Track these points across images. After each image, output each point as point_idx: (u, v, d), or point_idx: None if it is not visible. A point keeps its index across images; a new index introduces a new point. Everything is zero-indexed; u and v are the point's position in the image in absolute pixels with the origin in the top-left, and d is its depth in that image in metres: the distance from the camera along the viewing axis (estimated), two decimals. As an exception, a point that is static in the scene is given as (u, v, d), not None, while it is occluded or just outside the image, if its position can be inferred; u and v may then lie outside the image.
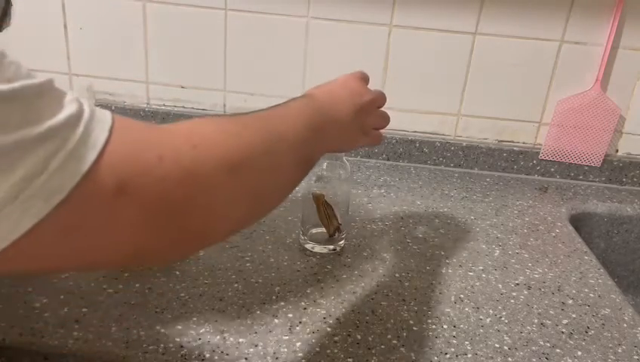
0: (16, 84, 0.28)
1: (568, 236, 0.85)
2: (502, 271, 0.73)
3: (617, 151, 1.07)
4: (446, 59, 1.01)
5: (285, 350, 0.55)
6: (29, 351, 0.54)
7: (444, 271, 0.72)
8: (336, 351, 0.56)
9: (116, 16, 1.02)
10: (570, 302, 0.68)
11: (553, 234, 0.85)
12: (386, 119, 0.64)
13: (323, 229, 0.72)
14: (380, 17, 0.99)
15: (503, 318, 0.63)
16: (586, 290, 0.71)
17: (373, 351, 0.56)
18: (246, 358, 0.54)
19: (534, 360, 0.57)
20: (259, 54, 1.03)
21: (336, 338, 0.58)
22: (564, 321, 0.64)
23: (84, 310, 0.58)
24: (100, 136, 0.30)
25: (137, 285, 0.63)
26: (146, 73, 1.07)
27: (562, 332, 0.62)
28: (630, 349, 0.60)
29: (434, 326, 0.61)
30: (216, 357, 0.54)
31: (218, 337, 0.56)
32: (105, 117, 0.31)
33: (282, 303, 0.62)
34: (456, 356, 0.57)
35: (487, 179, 1.04)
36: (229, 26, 1.02)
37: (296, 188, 0.94)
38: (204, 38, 1.03)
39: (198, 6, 1.00)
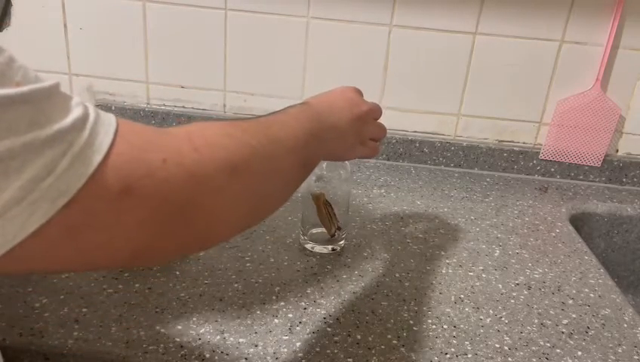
0: (25, 88, 0.29)
1: (568, 236, 0.85)
2: (502, 271, 0.73)
3: (617, 151, 1.07)
4: (446, 59, 1.01)
5: (285, 350, 0.55)
6: (29, 351, 0.54)
7: (444, 271, 0.72)
8: (336, 351, 0.56)
9: (116, 16, 1.02)
10: (571, 302, 0.68)
11: (553, 234, 0.85)
12: (383, 130, 0.65)
13: (323, 229, 0.72)
14: (380, 17, 0.99)
15: (503, 318, 0.63)
16: (586, 290, 0.71)
17: (373, 351, 0.56)
18: (246, 358, 0.54)
19: (534, 360, 0.57)
20: (259, 54, 1.03)
21: (336, 339, 0.58)
22: (565, 321, 0.64)
23: (84, 310, 0.58)
24: (105, 140, 0.31)
25: (137, 285, 0.63)
26: (146, 73, 1.07)
27: (562, 333, 0.62)
28: (630, 349, 0.60)
29: (434, 326, 0.61)
30: (216, 357, 0.54)
31: (218, 337, 0.56)
32: (110, 120, 0.32)
33: (282, 303, 0.62)
34: (456, 356, 0.57)
35: (488, 179, 1.04)
36: (229, 26, 1.02)
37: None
38: (204, 38, 1.03)
39: (198, 6, 1.00)
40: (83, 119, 0.31)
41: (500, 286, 0.70)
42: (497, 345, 0.59)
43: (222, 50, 1.04)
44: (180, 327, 0.57)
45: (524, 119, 1.05)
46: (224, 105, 1.08)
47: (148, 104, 1.09)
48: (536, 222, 0.88)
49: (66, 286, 0.62)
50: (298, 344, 0.56)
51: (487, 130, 1.06)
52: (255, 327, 0.58)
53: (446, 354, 0.57)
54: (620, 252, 0.99)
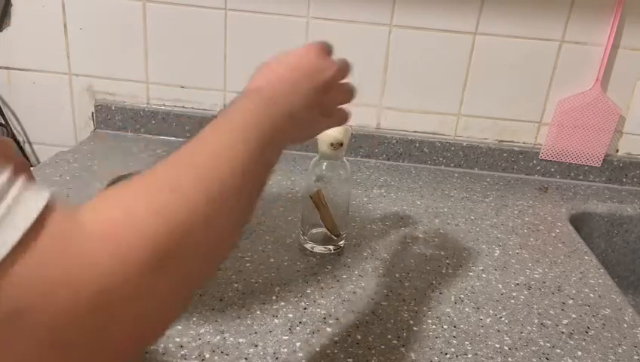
0: None
1: (568, 236, 0.85)
2: (502, 271, 0.73)
3: (617, 151, 1.07)
4: (446, 59, 1.01)
5: (285, 350, 0.55)
6: (28, 351, 0.53)
7: (444, 271, 0.72)
8: (336, 351, 0.56)
9: (116, 16, 1.02)
10: (571, 302, 0.68)
11: (553, 234, 0.85)
12: (350, 92, 0.56)
13: (323, 229, 0.72)
14: (380, 17, 0.99)
15: (503, 318, 0.63)
16: (586, 290, 0.71)
17: (373, 351, 0.56)
18: (246, 358, 0.54)
19: (534, 360, 0.57)
20: (259, 54, 1.03)
21: (336, 339, 0.58)
22: (564, 321, 0.64)
23: (84, 310, 0.58)
24: (9, 239, 0.25)
25: (137, 285, 0.63)
26: (146, 73, 1.07)
27: (562, 333, 0.62)
28: (630, 349, 0.60)
29: (434, 326, 0.61)
30: (216, 357, 0.54)
31: (218, 337, 0.56)
32: (23, 220, 0.25)
33: (282, 303, 0.62)
34: (456, 356, 0.57)
35: (488, 179, 1.04)
36: (229, 26, 1.02)
37: (297, 188, 0.95)
38: (204, 38, 1.03)
39: (198, 6, 1.00)
40: None
41: (500, 286, 0.70)
42: (497, 345, 0.59)
43: (222, 50, 1.04)
44: (179, 327, 0.57)
45: (524, 119, 1.05)
46: (224, 106, 1.08)
47: (148, 104, 1.09)
48: (536, 222, 0.88)
49: (65, 286, 0.62)
50: (298, 344, 0.56)
51: (487, 130, 1.06)
52: (255, 327, 0.58)
53: (446, 354, 0.57)
54: (620, 252, 0.99)
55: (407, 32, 1.00)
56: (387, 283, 0.68)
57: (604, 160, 1.05)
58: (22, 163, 0.36)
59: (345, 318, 0.61)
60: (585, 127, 1.03)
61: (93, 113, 1.10)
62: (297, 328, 0.59)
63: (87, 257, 0.27)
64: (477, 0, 0.96)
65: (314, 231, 0.73)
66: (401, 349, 0.57)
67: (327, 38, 1.04)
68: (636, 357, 0.59)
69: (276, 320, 0.60)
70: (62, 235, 0.27)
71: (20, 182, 0.26)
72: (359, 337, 0.58)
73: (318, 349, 0.56)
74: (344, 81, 0.55)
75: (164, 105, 1.09)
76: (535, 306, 0.66)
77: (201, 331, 0.57)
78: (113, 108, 1.08)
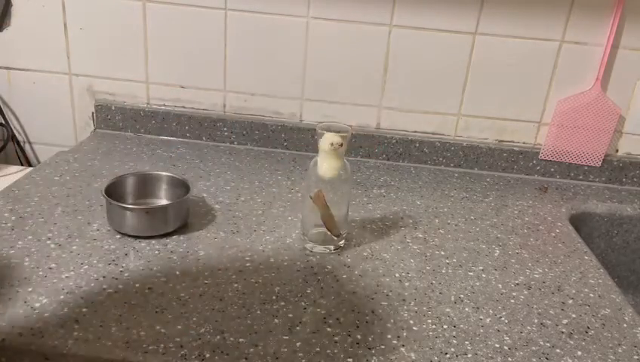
0: None
1: (568, 236, 0.85)
2: (502, 271, 0.73)
3: (617, 151, 1.07)
4: (446, 59, 1.01)
5: (285, 350, 0.55)
6: (29, 351, 0.54)
7: (444, 271, 0.72)
8: (336, 351, 0.56)
9: (116, 16, 1.02)
10: (570, 302, 0.68)
11: (553, 234, 0.85)
12: None
13: (323, 229, 0.72)
14: (380, 17, 0.99)
15: (503, 318, 0.63)
16: (586, 290, 0.71)
17: (373, 351, 0.56)
18: (246, 358, 0.54)
19: (534, 360, 0.57)
20: (259, 54, 1.03)
21: (336, 339, 0.58)
22: (564, 321, 0.64)
23: (84, 310, 0.58)
24: None
25: (137, 285, 0.63)
26: (146, 73, 1.07)
27: (562, 332, 0.62)
28: (630, 349, 0.60)
29: (434, 326, 0.61)
30: (216, 357, 0.54)
31: (218, 337, 0.56)
32: None
33: (282, 303, 0.62)
34: (456, 356, 0.57)
35: (487, 179, 1.04)
36: (229, 26, 1.02)
37: (297, 188, 0.95)
38: (204, 38, 1.03)
39: (198, 6, 1.00)
40: None
41: (500, 286, 0.70)
42: (497, 345, 0.59)
43: (222, 50, 1.04)
44: (179, 327, 0.57)
45: (524, 119, 1.05)
46: (224, 105, 1.08)
47: (148, 104, 1.09)
48: (536, 222, 0.88)
49: (66, 286, 0.62)
50: (298, 344, 0.56)
51: (487, 130, 1.06)
52: (255, 327, 0.58)
53: (446, 354, 0.57)
54: (619, 252, 0.99)
55: (407, 32, 1.00)
56: (387, 283, 0.68)
57: (604, 160, 1.05)
58: None
59: (345, 318, 0.61)
60: (585, 127, 1.03)
61: (93, 113, 1.10)
62: (297, 328, 0.59)
63: None
64: (477, 0, 0.96)
65: (314, 231, 0.73)
66: (401, 349, 0.57)
67: (327, 38, 1.05)
68: (636, 357, 0.59)
69: (276, 320, 0.60)
70: None
71: None
72: (359, 337, 0.58)
73: (318, 349, 0.56)
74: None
75: (164, 105, 1.09)
76: (535, 306, 0.66)
77: (201, 331, 0.57)
78: (113, 108, 1.08)
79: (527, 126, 1.05)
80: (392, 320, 0.61)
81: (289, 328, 0.58)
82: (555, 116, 1.03)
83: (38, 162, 1.15)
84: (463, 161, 1.07)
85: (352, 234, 0.79)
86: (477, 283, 0.70)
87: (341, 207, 0.72)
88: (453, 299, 0.66)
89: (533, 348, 0.59)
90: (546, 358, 0.58)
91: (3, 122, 1.09)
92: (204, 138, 1.09)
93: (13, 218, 0.75)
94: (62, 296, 0.60)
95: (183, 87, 1.07)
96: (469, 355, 0.57)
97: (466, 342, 0.59)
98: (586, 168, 1.06)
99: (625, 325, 0.64)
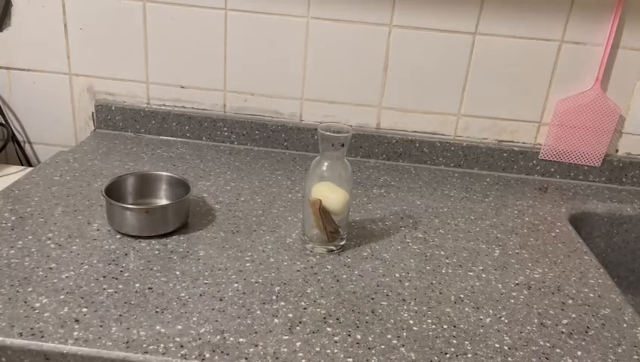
0: None
1: (568, 236, 0.85)
2: (502, 271, 0.73)
3: (617, 151, 1.07)
4: (446, 59, 1.01)
5: (285, 350, 0.55)
6: (29, 351, 0.54)
7: (444, 271, 0.72)
8: (336, 351, 0.56)
9: (116, 16, 1.02)
10: (570, 302, 0.68)
11: (553, 234, 0.85)
12: None
13: (323, 229, 0.72)
14: (380, 17, 0.99)
15: (502, 318, 0.63)
16: (586, 290, 0.71)
17: (373, 351, 0.56)
18: (246, 358, 0.54)
19: (534, 360, 0.57)
20: (259, 54, 1.03)
21: (336, 339, 0.58)
22: (564, 321, 0.64)
23: (84, 310, 0.58)
24: None
25: (137, 285, 0.63)
26: (146, 73, 1.07)
27: (562, 332, 0.62)
28: (630, 349, 0.60)
29: (434, 326, 0.61)
30: (216, 357, 0.54)
31: (218, 337, 0.56)
32: None
33: (282, 303, 0.62)
34: (456, 356, 0.57)
35: (487, 179, 1.04)
36: (229, 26, 1.02)
37: (297, 188, 0.95)
38: (204, 38, 1.03)
39: (198, 6, 1.00)
40: None
41: (500, 286, 0.70)
42: (497, 345, 0.59)
43: (222, 50, 1.04)
44: (179, 327, 0.57)
45: (524, 119, 1.05)
46: (224, 105, 1.08)
47: (148, 104, 1.09)
48: (536, 222, 0.88)
49: (66, 286, 0.62)
50: (298, 344, 0.56)
51: (487, 130, 1.06)
52: (255, 327, 0.58)
53: (446, 354, 0.57)
54: (619, 252, 0.99)
55: (407, 32, 1.00)
56: (387, 283, 0.68)
57: (603, 160, 1.05)
58: None
59: (345, 318, 0.61)
60: (585, 127, 1.03)
61: (93, 113, 1.10)
62: (297, 328, 0.59)
63: None
64: (477, 0, 0.96)
65: (314, 231, 0.73)
66: (401, 349, 0.57)
67: (327, 38, 1.05)
68: (636, 357, 0.59)
69: (276, 320, 0.60)
70: None
71: None
72: (359, 337, 0.58)
73: (318, 349, 0.56)
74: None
75: (164, 105, 1.09)
76: (535, 306, 0.66)
77: (201, 331, 0.57)
78: (113, 108, 1.08)
79: (527, 126, 1.05)
80: (392, 320, 0.61)
81: (289, 328, 0.58)
82: (555, 116, 1.03)
83: (38, 162, 1.15)
84: (462, 161, 1.07)
85: (352, 234, 0.79)
86: (477, 283, 0.70)
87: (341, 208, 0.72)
88: (453, 299, 0.66)
89: (533, 348, 0.59)
90: (546, 358, 0.58)
91: (3, 122, 1.09)
92: (204, 138, 1.09)
93: (13, 218, 0.75)
94: (62, 296, 0.60)
95: (183, 87, 1.07)
96: (469, 355, 0.57)
97: (466, 342, 0.59)
98: (586, 168, 1.06)
99: (625, 325, 0.64)
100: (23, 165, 1.12)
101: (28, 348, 0.54)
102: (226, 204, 0.84)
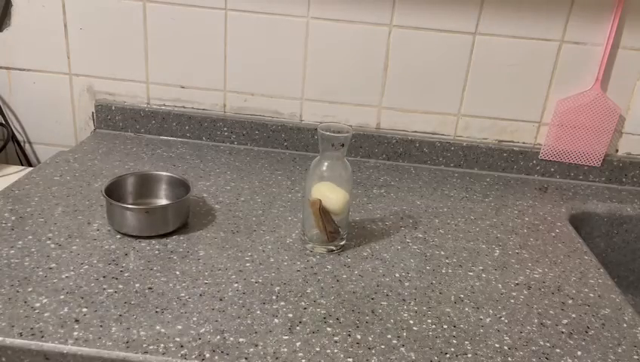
0: None
1: (568, 236, 0.85)
2: (502, 271, 0.73)
3: (617, 151, 1.07)
4: (446, 59, 1.01)
5: (285, 350, 0.55)
6: (29, 350, 0.54)
7: (444, 271, 0.72)
8: (336, 351, 0.56)
9: (116, 16, 1.02)
10: (570, 302, 0.68)
11: (553, 234, 0.85)
12: None
13: (323, 229, 0.72)
14: (380, 17, 0.99)
15: (502, 318, 0.63)
16: (586, 290, 0.71)
17: (373, 351, 0.56)
18: (246, 358, 0.54)
19: (534, 360, 0.57)
20: (259, 54, 1.03)
21: (336, 338, 0.58)
22: (564, 321, 0.64)
23: (84, 310, 0.58)
24: None
25: (137, 285, 0.63)
26: (146, 73, 1.07)
27: (562, 332, 0.62)
28: (630, 349, 0.60)
29: (434, 326, 0.61)
30: (216, 357, 0.54)
31: (218, 337, 0.56)
32: None
33: (282, 303, 0.62)
34: (456, 356, 0.57)
35: (487, 179, 1.04)
36: (229, 26, 1.02)
37: (297, 188, 0.95)
38: (204, 38, 1.03)
39: (198, 6, 1.00)
40: None
41: (500, 286, 0.70)
42: (497, 345, 0.59)
43: (222, 50, 1.04)
44: (179, 327, 0.57)
45: (524, 119, 1.05)
46: (224, 105, 1.08)
47: (148, 104, 1.09)
48: (536, 222, 0.88)
49: (66, 286, 0.62)
50: (298, 344, 0.56)
51: (487, 130, 1.06)
52: (255, 327, 0.58)
53: (446, 354, 0.57)
54: (619, 252, 0.99)
55: (407, 32, 1.00)
56: (387, 283, 0.68)
57: (603, 160, 1.05)
58: None
59: (345, 318, 0.61)
60: (585, 127, 1.03)
61: (93, 113, 1.10)
62: (297, 328, 0.59)
63: None
64: (477, 0, 0.96)
65: (314, 231, 0.73)
66: (401, 349, 0.57)
67: (327, 38, 1.05)
68: (636, 357, 0.59)
69: (276, 320, 0.60)
70: None
71: None
72: (359, 337, 0.58)
73: (318, 349, 0.56)
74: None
75: (164, 105, 1.09)
76: (535, 306, 0.66)
77: (201, 331, 0.57)
78: (113, 108, 1.08)
79: (527, 126, 1.05)
80: (392, 320, 0.61)
81: (289, 328, 0.59)
82: (555, 116, 1.03)
83: (38, 162, 1.15)
84: (462, 161, 1.07)
85: (352, 234, 0.79)
86: (477, 283, 0.70)
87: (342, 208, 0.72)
88: (453, 299, 0.66)
89: (533, 348, 0.59)
90: (546, 358, 0.58)
91: (3, 122, 1.09)
92: (204, 138, 1.09)
93: (13, 218, 0.75)
94: (62, 296, 0.60)
95: (183, 87, 1.07)
96: (469, 355, 0.57)
97: (466, 342, 0.59)
98: (586, 168, 1.06)
99: (625, 325, 0.64)
100: (23, 165, 1.12)
101: (28, 348, 0.54)
102: (226, 203, 0.84)
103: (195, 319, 0.59)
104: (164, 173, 0.81)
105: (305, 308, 0.62)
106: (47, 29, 1.04)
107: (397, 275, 0.70)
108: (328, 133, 0.68)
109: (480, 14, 0.97)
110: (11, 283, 0.62)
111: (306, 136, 1.07)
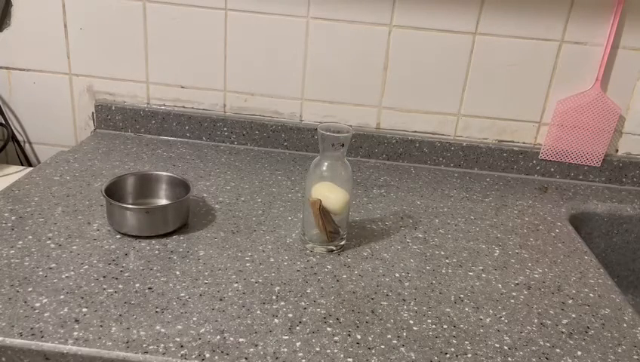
0: None
1: (568, 236, 0.85)
2: (502, 271, 0.73)
3: (617, 151, 1.07)
4: (446, 59, 1.01)
5: (285, 350, 0.55)
6: (29, 350, 0.54)
7: (444, 271, 0.72)
8: (336, 351, 0.56)
9: (116, 16, 1.02)
10: (570, 301, 0.68)
11: (553, 234, 0.85)
12: None
13: (323, 229, 0.72)
14: (380, 17, 0.99)
15: (502, 318, 0.63)
16: (586, 290, 0.71)
17: (373, 351, 0.56)
18: (246, 358, 0.54)
19: (534, 360, 0.57)
20: (259, 54, 1.03)
21: (336, 338, 0.58)
22: (564, 321, 0.64)
23: (84, 310, 0.58)
24: None
25: (137, 285, 0.63)
26: (146, 73, 1.07)
27: (562, 332, 0.62)
28: (630, 349, 0.60)
29: (434, 326, 0.61)
30: (216, 357, 0.54)
31: (218, 337, 0.56)
32: None
33: (282, 303, 0.62)
34: (456, 356, 0.57)
35: (487, 179, 1.04)
36: (229, 26, 1.02)
37: (297, 188, 0.95)
38: (204, 38, 1.03)
39: (198, 6, 1.00)
40: None
41: (500, 286, 0.70)
42: (497, 345, 0.59)
43: (222, 50, 1.04)
44: (179, 327, 0.57)
45: (523, 119, 1.05)
46: (224, 105, 1.08)
47: (148, 104, 1.09)
48: (536, 222, 0.88)
49: (66, 286, 0.62)
50: (298, 344, 0.56)
51: (487, 130, 1.06)
52: (255, 327, 0.58)
53: (446, 354, 0.57)
54: (619, 252, 0.99)
55: (407, 31, 1.00)
56: (387, 283, 0.68)
57: (603, 160, 1.05)
58: None
59: (345, 318, 0.61)
60: (585, 127, 1.03)
61: (93, 113, 1.10)
62: (297, 328, 0.59)
63: None
64: (477, 0, 0.96)
65: (314, 231, 0.73)
66: (401, 349, 0.57)
67: (327, 38, 1.05)
68: (636, 357, 0.59)
69: (276, 320, 0.60)
70: None
71: None
72: (359, 337, 0.58)
73: (318, 349, 0.56)
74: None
75: (164, 105, 1.09)
76: (535, 306, 0.66)
77: (201, 331, 0.57)
78: (113, 108, 1.08)
79: (527, 126, 1.05)
80: (392, 320, 0.61)
81: (289, 328, 0.59)
82: (555, 116, 1.03)
83: (38, 162, 1.15)
84: (462, 161, 1.07)
85: (352, 234, 0.79)
86: (477, 283, 0.70)
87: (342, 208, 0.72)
88: (453, 298, 0.66)
89: (533, 348, 0.59)
90: (546, 358, 0.58)
91: (3, 122, 1.09)
92: (204, 138, 1.09)
93: (13, 218, 0.75)
94: (62, 296, 0.60)
95: (183, 87, 1.07)
96: (469, 355, 0.57)
97: (466, 342, 0.59)
98: (586, 168, 1.06)
99: (625, 325, 0.64)
100: (23, 165, 1.12)
101: (28, 348, 0.54)
102: (226, 203, 0.84)
103: (195, 319, 0.59)
104: (164, 173, 0.81)
105: (305, 308, 0.62)
106: (47, 29, 1.04)
107: (397, 275, 0.70)
108: (328, 133, 0.68)
109: (480, 14, 0.97)
110: (11, 283, 0.62)
111: (306, 136, 1.07)
